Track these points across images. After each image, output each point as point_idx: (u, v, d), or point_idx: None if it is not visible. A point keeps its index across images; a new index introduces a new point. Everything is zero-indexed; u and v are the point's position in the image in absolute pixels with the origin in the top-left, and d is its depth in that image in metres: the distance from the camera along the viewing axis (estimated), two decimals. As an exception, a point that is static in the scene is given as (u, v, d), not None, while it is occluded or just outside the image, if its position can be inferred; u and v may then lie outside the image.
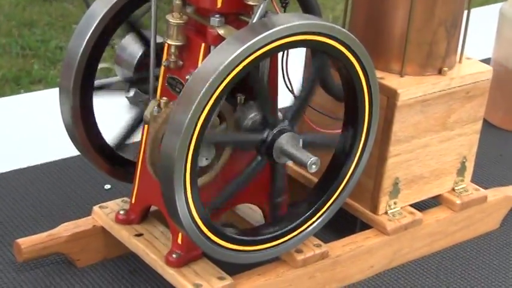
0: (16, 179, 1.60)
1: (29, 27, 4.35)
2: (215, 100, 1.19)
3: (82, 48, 1.34)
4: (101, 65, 1.42)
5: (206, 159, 1.27)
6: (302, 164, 1.27)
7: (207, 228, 1.26)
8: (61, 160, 1.62)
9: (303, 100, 1.32)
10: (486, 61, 1.89)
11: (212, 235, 1.28)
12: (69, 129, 1.38)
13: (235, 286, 1.33)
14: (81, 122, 1.37)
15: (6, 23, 4.37)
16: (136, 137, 1.43)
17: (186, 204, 1.23)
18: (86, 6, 4.43)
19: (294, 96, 1.36)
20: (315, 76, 1.33)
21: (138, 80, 1.40)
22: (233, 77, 1.19)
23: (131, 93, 1.44)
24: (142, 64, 1.38)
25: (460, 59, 1.53)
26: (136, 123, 1.43)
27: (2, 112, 1.85)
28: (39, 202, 1.54)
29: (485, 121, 1.59)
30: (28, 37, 4.24)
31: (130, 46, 1.41)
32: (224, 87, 1.19)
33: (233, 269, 1.35)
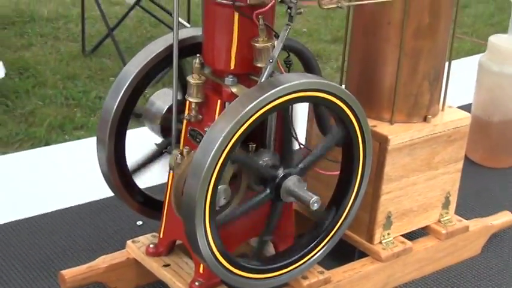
0: (61, 217, 1.62)
1: (71, 80, 4.37)
2: (230, 149, 1.21)
3: (116, 106, 1.35)
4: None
5: (224, 198, 1.27)
6: (305, 203, 1.29)
7: (224, 259, 1.28)
8: (100, 200, 1.64)
9: (318, 157, 1.34)
10: (468, 106, 1.92)
11: (229, 265, 1.29)
12: (105, 174, 1.40)
13: (251, 310, 1.35)
14: (115, 168, 1.39)
15: (52, 77, 4.39)
16: (163, 180, 1.43)
17: (206, 239, 1.24)
18: (121, 61, 4.47)
19: (300, 144, 1.37)
20: (332, 142, 1.35)
21: (164, 131, 1.41)
22: (245, 129, 1.21)
23: (159, 140, 1.45)
24: (167, 118, 1.39)
25: (443, 107, 1.54)
26: (153, 157, 1.45)
27: (50, 158, 1.85)
28: (81, 237, 1.55)
29: (467, 159, 1.60)
30: (71, 89, 4.26)
31: (157, 102, 1.43)
32: (238, 137, 1.21)
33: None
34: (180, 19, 4.69)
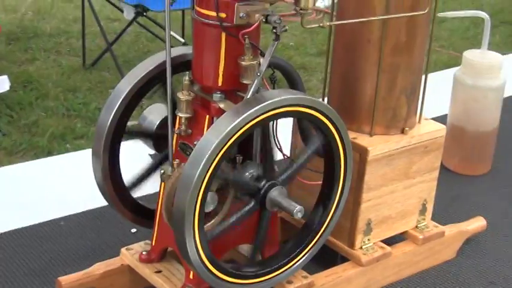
0: (59, 226, 1.61)
1: (72, 92, 4.36)
2: (218, 161, 1.20)
3: (109, 121, 1.35)
4: (130, 123, 1.42)
5: (212, 205, 1.27)
6: (289, 212, 1.28)
7: (212, 266, 1.27)
8: (96, 209, 1.62)
9: (299, 167, 1.33)
10: (444, 117, 1.91)
11: (217, 271, 1.28)
12: (100, 185, 1.39)
13: (238, 313, 1.33)
14: (110, 180, 1.38)
15: (54, 89, 4.38)
16: (155, 189, 1.42)
17: (195, 247, 1.23)
18: (120, 74, 4.46)
19: (284, 156, 1.36)
20: (312, 151, 1.34)
21: (156, 145, 1.40)
22: (232, 143, 1.20)
23: (152, 152, 1.45)
24: (159, 131, 1.39)
25: (419, 119, 1.54)
26: (149, 171, 1.44)
27: (49, 168, 1.84)
28: (78, 245, 1.54)
29: (443, 167, 1.60)
30: (72, 100, 4.25)
31: (149, 116, 1.42)
32: (225, 151, 1.20)
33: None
34: (174, 34, 4.68)
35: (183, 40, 4.49)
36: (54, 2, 5.68)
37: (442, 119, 1.81)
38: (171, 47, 1.32)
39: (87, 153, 1.80)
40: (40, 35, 5.05)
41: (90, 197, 1.63)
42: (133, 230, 1.55)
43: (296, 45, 4.71)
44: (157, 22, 4.67)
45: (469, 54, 1.87)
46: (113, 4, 4.73)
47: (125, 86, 1.36)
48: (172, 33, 4.29)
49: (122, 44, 4.80)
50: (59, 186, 1.74)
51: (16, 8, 5.53)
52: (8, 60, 4.64)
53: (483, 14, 1.86)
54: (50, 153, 3.70)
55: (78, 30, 4.78)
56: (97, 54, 4.70)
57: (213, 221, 1.29)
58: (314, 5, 1.28)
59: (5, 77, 4.25)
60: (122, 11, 4.55)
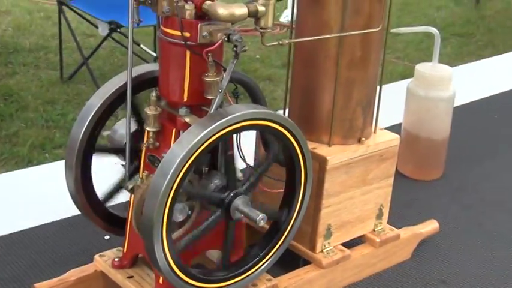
0: (34, 234, 1.59)
1: (51, 104, 4.35)
2: (185, 172, 1.19)
3: (81, 134, 1.33)
4: (105, 133, 1.41)
5: (181, 216, 1.26)
6: (253, 220, 1.27)
7: (180, 271, 1.25)
8: (70, 217, 1.60)
9: (259, 175, 1.32)
10: (399, 126, 1.92)
11: (184, 276, 1.26)
12: (73, 196, 1.37)
13: (205, 315, 1.32)
14: (82, 191, 1.36)
15: (34, 101, 4.37)
16: (124, 199, 1.40)
17: (164, 254, 1.21)
18: (96, 87, 4.44)
19: (247, 165, 1.35)
20: (270, 160, 1.34)
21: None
22: (198, 155, 1.19)
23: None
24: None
25: (375, 130, 1.53)
26: (120, 185, 1.41)
27: (24, 179, 1.82)
28: (53, 252, 1.53)
29: (398, 173, 1.60)
30: (51, 112, 4.24)
31: (119, 130, 1.40)
32: (191, 162, 1.19)
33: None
34: (146, 48, 4.65)
35: (155, 54, 4.48)
36: (33, 19, 5.66)
37: (397, 128, 1.82)
38: (145, 62, 1.31)
39: (63, 162, 1.78)
40: (20, 50, 5.03)
41: (66, 205, 1.60)
42: (107, 237, 1.52)
43: (262, 57, 4.73)
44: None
45: (421, 67, 1.88)
46: (88, 21, 4.71)
47: (96, 101, 1.34)
48: (144, 47, 4.29)
49: (98, 58, 4.80)
50: (37, 194, 1.72)
51: (-4, 25, 5.48)
52: (-12, 75, 4.61)
53: (433, 30, 1.87)
54: (30, 162, 3.68)
55: (56, 45, 4.77)
56: (74, 68, 4.69)
57: (180, 230, 1.28)
58: (273, 23, 1.28)
59: (-14, 91, 4.21)
60: (97, 27, 4.54)
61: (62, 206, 1.61)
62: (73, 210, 1.56)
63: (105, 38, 4.46)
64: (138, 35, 4.51)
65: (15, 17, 5.52)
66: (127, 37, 4.59)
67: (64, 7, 4.53)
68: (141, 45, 4.60)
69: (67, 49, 4.63)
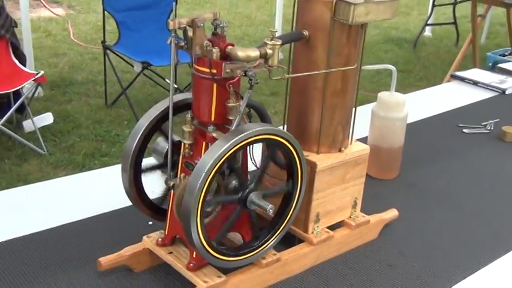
0: (94, 222, 1.57)
1: (98, 123, 4.35)
2: (213, 175, 1.18)
3: (133, 146, 1.33)
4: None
5: (210, 206, 1.26)
6: (264, 209, 1.27)
7: (209, 248, 1.25)
8: (120, 209, 1.60)
9: (261, 172, 1.32)
10: (366, 138, 1.91)
11: (213, 251, 1.26)
12: (127, 191, 1.37)
13: (227, 281, 1.31)
14: (134, 187, 1.36)
15: (85, 121, 4.37)
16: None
17: (197, 234, 1.21)
18: (131, 110, 4.41)
19: (257, 168, 1.35)
20: (268, 159, 1.33)
21: (166, 164, 1.37)
22: (222, 162, 1.19)
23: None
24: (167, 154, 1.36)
25: (351, 142, 1.53)
26: (151, 168, 1.41)
27: (86, 180, 1.80)
28: (112, 235, 1.52)
29: (367, 174, 1.59)
30: (98, 129, 4.24)
31: (161, 143, 1.39)
32: (217, 167, 1.19)
33: (226, 271, 1.33)
34: (169, 81, 4.64)
35: (175, 86, 4.47)
36: (84, 59, 5.66)
37: (364, 140, 1.82)
38: (168, 91, 1.31)
39: (112, 167, 1.78)
40: (74, 83, 5.03)
41: (114, 200, 1.60)
42: (150, 223, 1.51)
43: (254, 88, 4.73)
44: (158, 73, 4.66)
45: (382, 95, 1.88)
46: (126, 61, 4.72)
47: (144, 121, 1.34)
48: (168, 80, 4.29)
49: (133, 89, 4.80)
50: (92, 192, 1.70)
51: (56, 64, 5.50)
52: (51, 101, 4.63)
53: (391, 67, 1.87)
54: (83, 167, 3.68)
55: (101, 79, 4.78)
56: (115, 96, 4.70)
57: (210, 216, 1.27)
58: (277, 62, 1.28)
59: (49, 114, 4.22)
60: (133, 66, 4.54)
61: (110, 200, 1.62)
62: (120, 204, 1.58)
63: (138, 74, 4.47)
64: (163, 72, 4.51)
65: (70, 58, 5.52)
66: (155, 73, 4.64)
67: (108, 50, 4.53)
68: (166, 79, 4.59)
69: (110, 82, 4.63)
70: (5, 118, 3.74)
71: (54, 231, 1.52)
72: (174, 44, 1.22)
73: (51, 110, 4.19)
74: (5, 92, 3.67)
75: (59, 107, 4.38)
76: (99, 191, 1.70)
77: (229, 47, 1.24)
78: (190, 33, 1.23)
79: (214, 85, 1.25)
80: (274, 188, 1.37)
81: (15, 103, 3.77)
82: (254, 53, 1.23)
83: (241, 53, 1.22)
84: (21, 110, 3.90)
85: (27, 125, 3.95)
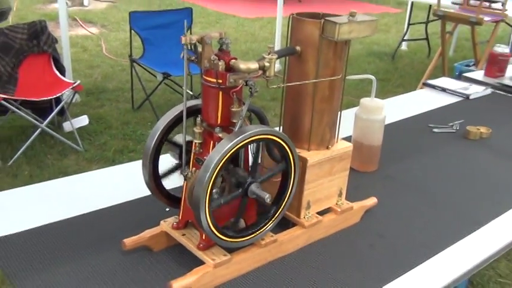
0: (121, 208, 1.56)
1: (126, 124, 4.33)
2: (219, 169, 1.17)
3: (152, 145, 1.32)
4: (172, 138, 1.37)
5: (216, 194, 1.25)
6: (262, 198, 1.26)
7: (216, 231, 1.24)
8: (142, 197, 1.58)
9: (258, 166, 1.31)
10: (350, 136, 1.90)
11: (219, 234, 1.25)
12: (147, 183, 1.36)
13: (231, 259, 1.30)
14: (153, 180, 1.35)
15: (115, 122, 4.36)
16: (180, 184, 1.38)
17: (206, 220, 1.21)
18: (154, 113, 4.40)
19: (256, 162, 1.33)
20: (279, 168, 1.33)
21: (180, 157, 1.36)
22: (227, 158, 1.18)
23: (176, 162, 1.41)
24: (182, 153, 1.35)
25: (337, 140, 1.51)
26: (171, 171, 1.40)
27: (115, 172, 1.78)
28: (133, 219, 1.50)
29: (350, 167, 1.57)
30: (126, 129, 4.22)
31: (178, 139, 1.38)
32: (223, 163, 1.18)
33: (231, 250, 1.33)
34: (188, 90, 4.70)
35: (191, 93, 4.47)
36: (114, 71, 5.65)
37: (348, 138, 1.81)
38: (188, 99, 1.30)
39: (138, 162, 1.77)
40: (106, 90, 5.03)
41: (138, 190, 1.59)
42: (167, 209, 1.49)
43: (257, 94, 4.72)
44: (176, 82, 4.64)
45: (364, 100, 1.86)
46: (149, 72, 4.71)
47: (161, 123, 1.33)
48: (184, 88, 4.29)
49: (155, 95, 4.79)
50: (120, 183, 1.69)
51: (91, 75, 5.49)
52: (87, 106, 4.62)
53: (371, 77, 1.85)
54: (113, 162, 3.68)
55: (129, 87, 4.77)
56: (140, 101, 4.68)
57: (216, 204, 1.26)
58: (274, 73, 1.27)
59: (85, 116, 4.22)
60: (155, 76, 4.53)
61: (135, 190, 1.61)
62: (142, 193, 1.56)
63: (160, 83, 4.46)
64: (181, 81, 4.50)
65: (103, 69, 5.52)
66: (174, 82, 4.64)
67: (134, 63, 4.53)
68: (183, 87, 4.57)
69: (136, 90, 4.63)
70: (48, 120, 3.76)
71: (88, 216, 1.52)
72: (186, 56, 1.21)
73: (87, 113, 4.19)
74: (48, 98, 3.69)
75: (93, 110, 4.39)
76: (126, 182, 1.70)
77: (233, 60, 1.23)
78: (200, 49, 1.22)
79: (220, 93, 1.24)
80: (270, 172, 1.35)
81: (56, 108, 3.78)
82: (254, 65, 1.22)
83: (242, 65, 1.21)
84: (61, 113, 3.92)
85: (67, 126, 3.96)
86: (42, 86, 3.78)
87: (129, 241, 1.35)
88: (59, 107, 3.75)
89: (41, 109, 3.85)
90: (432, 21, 6.52)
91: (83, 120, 4.06)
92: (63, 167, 3.50)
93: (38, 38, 3.83)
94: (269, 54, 1.25)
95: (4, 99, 3.50)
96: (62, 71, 3.97)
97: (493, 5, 5.03)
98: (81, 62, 5.66)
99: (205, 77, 1.25)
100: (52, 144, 3.79)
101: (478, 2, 4.90)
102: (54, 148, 3.74)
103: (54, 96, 3.70)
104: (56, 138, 3.78)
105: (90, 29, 7.19)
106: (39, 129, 3.69)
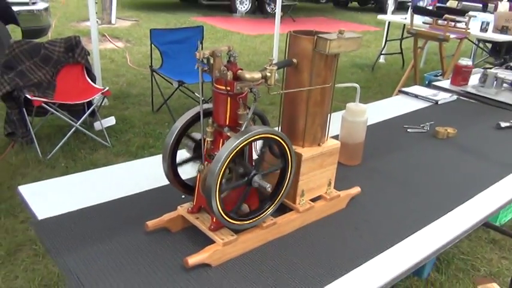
0: (142, 196, 1.54)
1: (147, 124, 4.31)
2: (228, 162, 1.17)
3: (171, 141, 1.31)
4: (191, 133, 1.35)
5: (224, 183, 1.23)
6: (264, 187, 1.25)
7: (225, 215, 1.24)
8: (162, 186, 1.56)
9: (260, 160, 1.30)
10: (337, 135, 1.88)
11: (227, 217, 1.25)
12: (166, 174, 1.35)
13: (237, 238, 1.30)
14: (171, 171, 1.34)
15: (138, 122, 4.33)
16: (193, 175, 1.36)
17: (216, 205, 1.20)
18: (171, 115, 4.39)
19: (258, 156, 1.33)
20: (279, 165, 1.33)
21: (195, 151, 1.35)
22: (235, 153, 1.17)
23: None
24: (196, 145, 1.34)
25: (327, 138, 1.50)
26: (185, 161, 1.38)
27: (139, 165, 1.77)
28: (155, 206, 1.48)
29: (338, 162, 1.56)
30: (147, 128, 4.20)
31: (190, 141, 1.37)
32: (231, 157, 1.17)
33: (237, 231, 1.32)
34: (197, 95, 4.66)
35: (202, 98, 4.45)
36: (137, 79, 5.63)
37: (336, 137, 1.80)
38: (197, 102, 1.29)
39: (157, 156, 1.75)
40: (130, 95, 5.01)
41: (157, 179, 1.58)
42: (183, 196, 1.49)
43: (257, 100, 4.71)
44: (189, 89, 4.63)
45: (349, 105, 1.85)
46: (167, 80, 4.70)
47: (179, 123, 1.32)
48: (197, 94, 4.27)
49: (172, 100, 4.78)
50: (142, 174, 1.67)
51: (117, 82, 5.47)
52: (114, 109, 4.61)
53: (356, 85, 1.84)
54: (136, 155, 3.67)
55: (149, 93, 4.76)
56: (159, 105, 4.67)
57: (225, 192, 1.26)
58: (274, 82, 1.26)
59: (112, 117, 4.21)
60: (172, 83, 4.52)
61: (155, 180, 1.61)
62: (162, 182, 1.56)
63: (176, 89, 4.45)
64: (193, 88, 4.49)
65: (128, 78, 5.50)
66: (188, 89, 4.60)
67: (154, 72, 4.51)
68: (195, 93, 4.56)
69: (155, 95, 4.62)
70: (81, 120, 3.76)
71: (115, 202, 1.52)
72: (200, 68, 1.21)
73: (114, 115, 4.19)
74: (81, 102, 3.69)
75: (119, 112, 4.38)
76: (147, 173, 1.69)
77: (239, 71, 1.22)
78: (211, 61, 1.22)
79: (229, 98, 1.24)
80: (273, 167, 1.35)
81: (88, 110, 3.79)
82: (257, 75, 1.22)
83: (248, 75, 1.21)
84: (92, 114, 3.93)
85: (97, 125, 3.97)
86: (76, 91, 3.79)
87: (151, 223, 1.35)
88: (90, 109, 3.77)
89: (75, 111, 3.89)
90: (406, 38, 6.51)
91: (111, 121, 4.06)
92: (93, 160, 3.51)
93: (73, 51, 3.84)
94: (270, 65, 1.24)
95: (44, 102, 3.52)
96: (93, 79, 3.98)
97: (458, 25, 5.03)
98: (109, 71, 5.66)
99: (216, 85, 1.25)
100: (84, 140, 3.80)
101: (445, 22, 4.90)
102: (86, 144, 3.74)
103: (87, 100, 3.71)
104: (88, 136, 3.79)
105: (117, 44, 7.18)
106: (74, 128, 3.71)
